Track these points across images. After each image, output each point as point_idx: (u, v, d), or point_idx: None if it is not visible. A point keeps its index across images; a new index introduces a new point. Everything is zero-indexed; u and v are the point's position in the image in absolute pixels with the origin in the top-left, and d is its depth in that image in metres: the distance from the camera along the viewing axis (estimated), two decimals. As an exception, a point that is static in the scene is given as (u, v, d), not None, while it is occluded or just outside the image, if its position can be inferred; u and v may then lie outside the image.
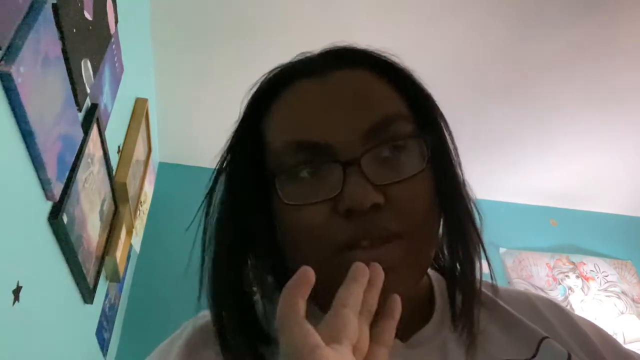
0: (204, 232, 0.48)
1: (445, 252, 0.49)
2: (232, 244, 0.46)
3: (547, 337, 0.45)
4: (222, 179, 0.49)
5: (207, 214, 0.48)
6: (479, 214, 0.49)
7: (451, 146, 0.48)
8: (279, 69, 0.49)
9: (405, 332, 0.44)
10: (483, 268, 0.49)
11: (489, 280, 0.53)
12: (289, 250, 0.45)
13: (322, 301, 0.44)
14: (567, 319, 0.50)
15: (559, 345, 0.45)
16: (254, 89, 0.49)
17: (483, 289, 0.49)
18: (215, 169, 0.49)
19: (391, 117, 0.43)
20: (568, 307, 2.23)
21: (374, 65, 0.47)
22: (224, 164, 0.49)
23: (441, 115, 0.48)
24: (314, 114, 0.44)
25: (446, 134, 0.48)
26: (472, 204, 0.48)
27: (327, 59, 0.48)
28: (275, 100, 0.47)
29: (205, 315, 0.49)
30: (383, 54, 0.48)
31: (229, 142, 0.49)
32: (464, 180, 0.48)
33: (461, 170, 0.49)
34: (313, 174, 0.43)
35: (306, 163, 0.42)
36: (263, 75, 0.49)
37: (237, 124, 0.49)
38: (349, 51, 0.48)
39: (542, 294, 2.30)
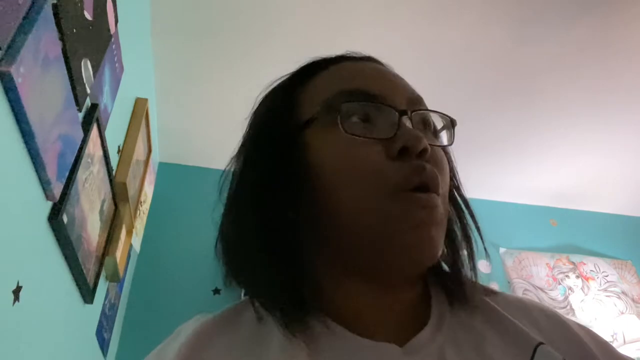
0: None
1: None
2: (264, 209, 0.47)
3: (542, 343, 0.45)
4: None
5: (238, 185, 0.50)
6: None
7: (453, 162, 0.53)
8: (317, 57, 0.54)
9: (402, 337, 0.44)
10: (483, 269, 0.50)
11: (486, 284, 0.53)
12: (330, 197, 0.44)
13: (365, 256, 0.46)
14: (562, 326, 0.50)
15: (555, 353, 0.44)
16: (290, 74, 0.53)
17: (481, 296, 0.51)
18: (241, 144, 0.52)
19: (422, 99, 0.49)
20: (568, 307, 2.24)
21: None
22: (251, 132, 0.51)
23: None
24: (366, 74, 0.49)
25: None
26: (468, 203, 0.53)
27: (364, 57, 0.54)
28: (314, 76, 0.51)
29: (199, 317, 0.49)
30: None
31: (255, 108, 0.53)
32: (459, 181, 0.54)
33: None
34: (365, 120, 0.45)
35: (361, 103, 0.45)
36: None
37: (264, 108, 0.52)
38: (380, 61, 0.55)
39: (542, 294, 2.31)
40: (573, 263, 2.42)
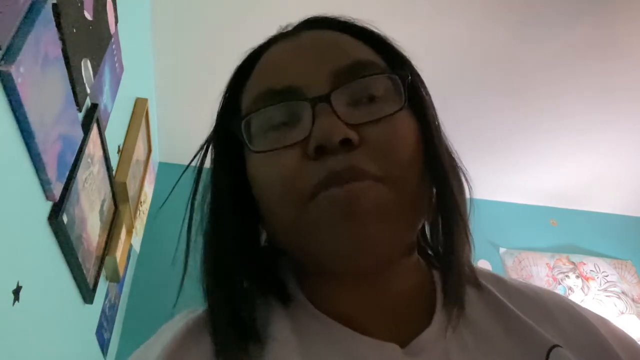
0: (191, 220, 0.47)
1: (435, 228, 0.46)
2: (221, 228, 0.44)
3: (557, 346, 0.41)
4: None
5: (192, 205, 0.48)
6: (468, 183, 0.46)
7: (432, 112, 0.45)
8: (252, 48, 0.48)
9: (404, 336, 0.40)
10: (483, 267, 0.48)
11: (493, 271, 0.49)
12: (265, 216, 0.42)
13: (303, 268, 0.43)
14: (580, 320, 0.45)
15: (571, 355, 0.41)
16: (234, 70, 0.48)
17: (488, 285, 0.46)
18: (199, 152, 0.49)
19: (363, 62, 0.41)
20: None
21: (348, 28, 0.47)
22: (209, 146, 0.48)
23: (422, 81, 0.46)
24: (283, 64, 0.42)
25: (427, 100, 0.45)
26: (458, 170, 0.45)
27: (301, 24, 0.49)
28: (250, 76, 0.45)
29: (185, 315, 0.46)
30: (358, 21, 0.48)
31: (211, 131, 0.49)
32: (448, 147, 0.45)
33: (446, 139, 0.46)
34: (282, 123, 0.40)
35: (273, 105, 0.40)
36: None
37: (216, 114, 0.48)
38: (323, 17, 0.48)
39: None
40: (573, 263, 2.42)
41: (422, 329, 0.41)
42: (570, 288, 2.33)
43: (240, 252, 0.43)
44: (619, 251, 2.52)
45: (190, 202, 0.47)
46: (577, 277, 2.37)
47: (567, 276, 2.37)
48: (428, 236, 0.49)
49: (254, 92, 0.42)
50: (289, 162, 0.38)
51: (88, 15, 0.93)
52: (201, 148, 0.48)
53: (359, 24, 0.47)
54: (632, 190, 2.53)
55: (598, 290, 2.35)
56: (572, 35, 1.77)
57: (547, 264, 2.39)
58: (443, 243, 0.44)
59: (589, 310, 0.48)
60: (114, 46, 1.14)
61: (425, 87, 0.46)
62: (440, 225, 0.45)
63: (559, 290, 2.32)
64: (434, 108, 0.45)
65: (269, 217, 0.42)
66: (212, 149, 0.48)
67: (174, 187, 0.54)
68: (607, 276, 2.40)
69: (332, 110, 0.37)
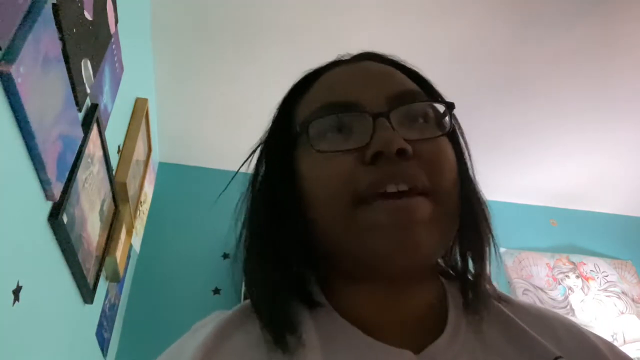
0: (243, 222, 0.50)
1: (457, 247, 0.51)
2: (264, 224, 0.48)
3: (560, 357, 0.44)
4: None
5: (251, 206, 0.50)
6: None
7: (466, 150, 0.52)
8: (311, 69, 0.54)
9: (418, 343, 0.43)
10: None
11: (502, 291, 0.52)
12: (312, 213, 0.45)
13: (344, 274, 0.46)
14: (581, 337, 0.49)
15: None
16: (288, 90, 0.54)
17: (495, 302, 0.50)
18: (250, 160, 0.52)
19: (413, 91, 0.48)
20: (568, 307, 2.24)
21: (397, 64, 0.53)
22: (260, 157, 0.52)
23: (457, 120, 0.52)
24: (344, 82, 0.48)
25: (460, 129, 0.52)
26: (483, 197, 0.52)
27: (358, 55, 0.54)
28: (307, 91, 0.51)
29: (217, 315, 0.49)
30: (405, 61, 0.54)
31: (263, 136, 0.53)
32: (475, 176, 0.52)
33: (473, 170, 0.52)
34: (341, 131, 0.45)
35: (336, 115, 0.45)
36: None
37: (270, 122, 0.53)
38: (377, 53, 0.55)
39: (542, 294, 2.31)
40: (573, 263, 2.42)
41: (434, 337, 0.44)
42: (570, 288, 2.33)
43: (290, 257, 0.47)
44: (619, 251, 2.52)
45: (250, 204, 0.51)
46: (577, 277, 2.37)
47: (567, 276, 2.37)
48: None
49: (317, 102, 0.48)
50: (345, 164, 0.43)
51: (88, 15, 0.94)
52: (254, 151, 0.53)
53: (406, 63, 0.54)
54: (632, 190, 2.53)
55: (598, 290, 2.35)
56: (572, 35, 1.77)
57: (547, 264, 2.39)
58: (465, 260, 0.50)
59: (588, 330, 0.51)
60: (114, 46, 1.14)
61: (456, 119, 0.52)
62: (466, 243, 0.50)
63: (559, 290, 2.32)
64: (464, 136, 0.52)
65: (316, 214, 0.45)
66: (263, 152, 0.52)
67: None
68: (607, 276, 2.40)
69: (390, 125, 0.42)
